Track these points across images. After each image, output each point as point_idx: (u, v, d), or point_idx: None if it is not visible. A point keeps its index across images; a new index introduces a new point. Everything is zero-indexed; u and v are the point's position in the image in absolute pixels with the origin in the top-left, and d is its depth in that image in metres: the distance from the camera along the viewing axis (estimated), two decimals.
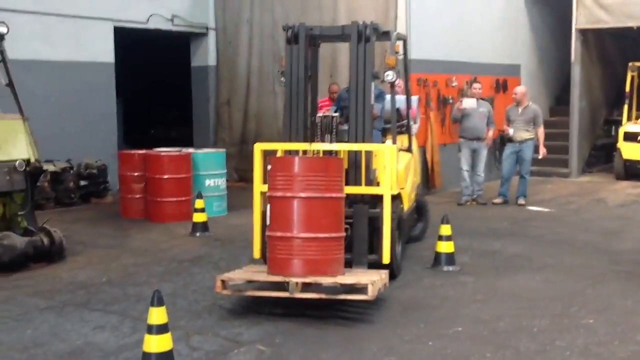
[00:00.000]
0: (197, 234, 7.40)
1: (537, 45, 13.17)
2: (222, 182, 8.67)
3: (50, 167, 8.80)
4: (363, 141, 5.34)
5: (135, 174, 8.43)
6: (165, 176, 8.17)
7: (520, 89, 9.72)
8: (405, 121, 6.67)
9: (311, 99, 5.78)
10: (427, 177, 10.32)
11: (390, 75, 5.55)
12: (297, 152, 5.44)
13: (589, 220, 8.44)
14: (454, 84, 10.79)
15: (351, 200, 5.25)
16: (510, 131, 9.50)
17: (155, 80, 15.00)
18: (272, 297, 4.65)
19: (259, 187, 5.30)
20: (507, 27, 12.29)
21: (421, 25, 9.97)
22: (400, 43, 6.01)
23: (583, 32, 11.98)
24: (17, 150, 6.11)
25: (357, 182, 5.33)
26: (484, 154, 9.53)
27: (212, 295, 5.00)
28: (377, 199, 5.28)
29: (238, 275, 4.75)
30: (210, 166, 8.56)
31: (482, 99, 9.77)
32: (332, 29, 5.97)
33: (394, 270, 5.33)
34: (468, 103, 9.37)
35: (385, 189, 5.21)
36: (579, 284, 5.54)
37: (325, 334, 4.35)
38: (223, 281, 4.61)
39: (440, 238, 5.97)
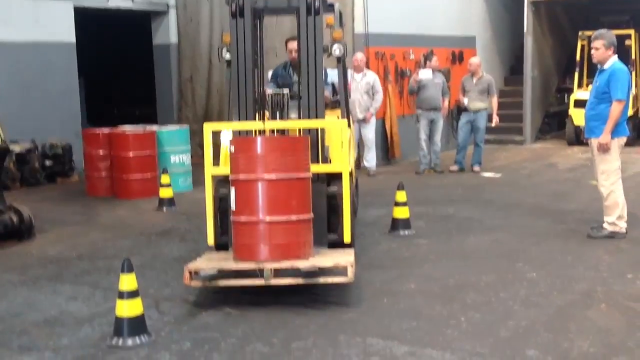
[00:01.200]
0: (164, 209, 7.58)
1: (491, 17, 13.50)
2: (186, 158, 8.84)
3: (15, 148, 8.84)
4: (316, 117, 5.08)
5: (101, 152, 8.54)
6: (131, 154, 8.30)
7: (474, 60, 10.06)
8: (337, 96, 6.26)
9: (258, 75, 5.44)
10: (386, 148, 10.66)
11: (338, 50, 5.38)
12: (246, 132, 5.10)
13: (539, 184, 8.88)
14: (411, 57, 11.08)
15: None
16: (465, 101, 9.86)
17: (117, 60, 14.91)
18: (244, 285, 4.43)
19: (210, 169, 4.95)
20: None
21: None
22: (336, 17, 5.72)
23: (535, 4, 12.34)
24: None
25: (313, 160, 4.89)
26: (441, 123, 9.87)
27: (179, 265, 5.12)
28: (331, 177, 5.04)
29: (205, 264, 4.49)
30: (174, 143, 8.72)
31: (439, 70, 10.08)
32: (279, 1, 5.45)
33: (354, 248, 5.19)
34: (424, 74, 9.68)
35: (344, 166, 4.98)
36: (524, 242, 5.92)
37: (286, 298, 4.57)
38: (191, 272, 4.36)
39: (397, 204, 6.27)
